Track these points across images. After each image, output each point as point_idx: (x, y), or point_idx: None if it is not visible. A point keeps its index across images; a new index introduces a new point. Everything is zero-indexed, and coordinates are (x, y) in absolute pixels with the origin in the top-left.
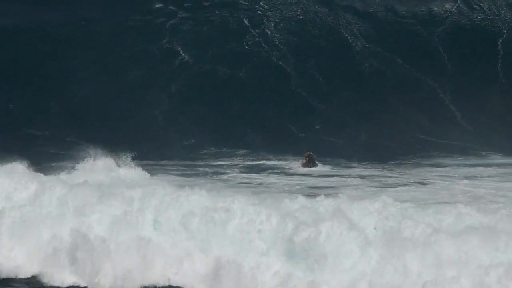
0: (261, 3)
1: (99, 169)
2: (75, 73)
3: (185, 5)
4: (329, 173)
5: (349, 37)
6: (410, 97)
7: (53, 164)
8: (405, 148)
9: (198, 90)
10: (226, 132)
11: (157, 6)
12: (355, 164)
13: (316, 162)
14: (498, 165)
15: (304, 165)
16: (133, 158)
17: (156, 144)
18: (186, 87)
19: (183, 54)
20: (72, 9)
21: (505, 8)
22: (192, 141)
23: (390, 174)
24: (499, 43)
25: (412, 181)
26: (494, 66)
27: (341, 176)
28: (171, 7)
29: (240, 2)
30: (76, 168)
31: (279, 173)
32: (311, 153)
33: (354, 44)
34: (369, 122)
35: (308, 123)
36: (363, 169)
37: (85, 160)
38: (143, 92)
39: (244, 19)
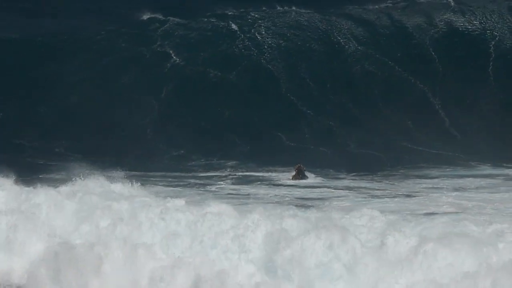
0: (251, 13)
1: (89, 188)
2: (65, 80)
3: (174, 17)
4: (318, 185)
5: (341, 40)
6: (400, 101)
7: (40, 176)
8: (394, 158)
9: (189, 94)
10: (215, 142)
11: (148, 17)
12: (344, 175)
13: (306, 174)
14: (487, 176)
15: (294, 178)
16: (125, 172)
17: (145, 155)
18: (177, 91)
19: (174, 57)
20: (61, 21)
21: (497, 13)
22: (182, 151)
23: (378, 186)
24: (491, 45)
25: (400, 193)
26: (485, 69)
27: (330, 187)
28: (161, 17)
29: (230, 14)
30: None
31: (268, 185)
32: (301, 165)
33: (346, 46)
34: (358, 129)
35: (298, 131)
36: (352, 180)
37: (73, 179)
38: (134, 97)
39: (234, 25)
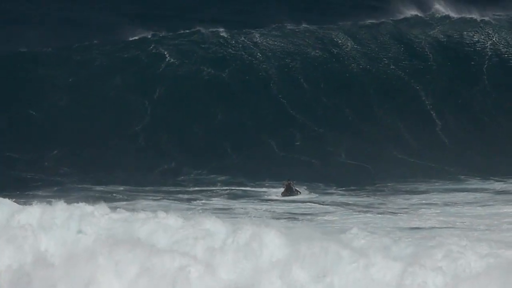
0: (244, 29)
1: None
2: (56, 83)
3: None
4: (307, 200)
5: (339, 41)
6: (392, 101)
7: (27, 193)
8: (383, 171)
9: (182, 95)
10: (207, 151)
11: (142, 35)
12: (333, 190)
13: (296, 190)
14: (475, 190)
15: (283, 194)
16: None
17: (137, 168)
18: (170, 92)
19: (168, 57)
20: (46, 37)
21: (494, 22)
22: (173, 164)
23: (367, 202)
24: (487, 45)
25: (389, 210)
26: (480, 69)
27: (319, 203)
28: (151, 34)
29: (222, 34)
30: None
31: (258, 200)
32: (290, 181)
33: (343, 46)
34: (350, 136)
35: (289, 139)
36: (341, 196)
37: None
38: (127, 99)
39: (228, 35)
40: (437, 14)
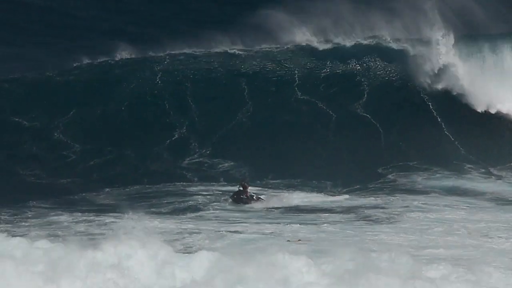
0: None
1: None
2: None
3: None
4: (303, 208)
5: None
6: None
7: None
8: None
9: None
10: (221, 115)
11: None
12: (336, 189)
13: (250, 196)
14: (474, 194)
15: (233, 199)
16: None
17: (144, 144)
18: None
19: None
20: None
21: None
22: (181, 133)
23: (366, 204)
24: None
25: (387, 218)
26: None
27: (316, 210)
28: None
29: None
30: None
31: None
32: (244, 182)
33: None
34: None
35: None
36: (344, 200)
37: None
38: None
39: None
40: None
